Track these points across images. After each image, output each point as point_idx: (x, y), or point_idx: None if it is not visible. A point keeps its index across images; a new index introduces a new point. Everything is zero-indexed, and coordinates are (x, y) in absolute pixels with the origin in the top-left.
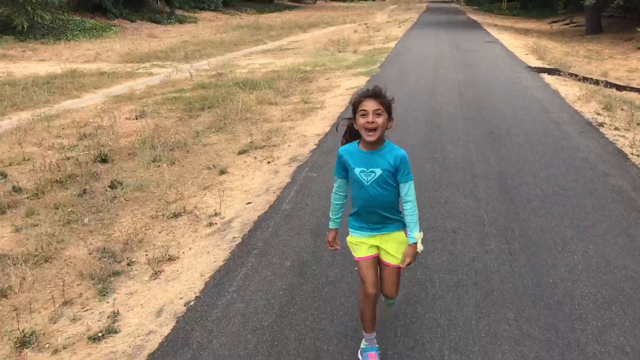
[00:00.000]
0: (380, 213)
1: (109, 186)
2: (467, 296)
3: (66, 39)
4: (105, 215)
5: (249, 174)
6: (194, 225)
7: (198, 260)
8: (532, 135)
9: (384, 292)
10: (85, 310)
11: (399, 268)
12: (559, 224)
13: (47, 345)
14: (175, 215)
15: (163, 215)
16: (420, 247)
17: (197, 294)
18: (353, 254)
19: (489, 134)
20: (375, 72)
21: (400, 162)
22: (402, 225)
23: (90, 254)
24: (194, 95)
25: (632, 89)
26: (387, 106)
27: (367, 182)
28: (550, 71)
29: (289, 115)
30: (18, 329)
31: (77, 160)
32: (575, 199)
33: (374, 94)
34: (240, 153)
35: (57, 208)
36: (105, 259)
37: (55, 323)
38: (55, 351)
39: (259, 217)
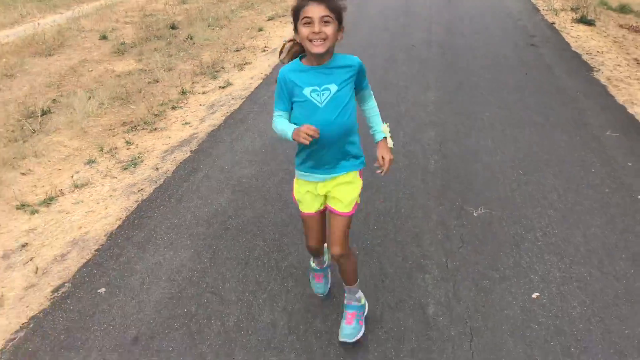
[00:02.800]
0: (338, 144)
1: (187, 37)
2: (413, 65)
3: None
4: (191, 52)
5: (280, 28)
6: (253, 52)
7: (264, 62)
8: (479, 3)
9: (330, 247)
10: (208, 83)
11: (349, 217)
12: (476, 41)
13: (196, 93)
14: (239, 49)
15: (230, 50)
16: (390, 143)
17: (270, 71)
18: (298, 206)
19: (448, 1)
20: None
21: (360, 68)
22: (360, 163)
23: (194, 68)
24: None
25: None
26: (337, 12)
27: (322, 104)
28: None
29: None
30: (180, 85)
31: (153, 28)
32: (492, 31)
33: None
34: (269, 19)
35: (157, 51)
36: (206, 68)
37: (194, 88)
38: (203, 93)
39: None
